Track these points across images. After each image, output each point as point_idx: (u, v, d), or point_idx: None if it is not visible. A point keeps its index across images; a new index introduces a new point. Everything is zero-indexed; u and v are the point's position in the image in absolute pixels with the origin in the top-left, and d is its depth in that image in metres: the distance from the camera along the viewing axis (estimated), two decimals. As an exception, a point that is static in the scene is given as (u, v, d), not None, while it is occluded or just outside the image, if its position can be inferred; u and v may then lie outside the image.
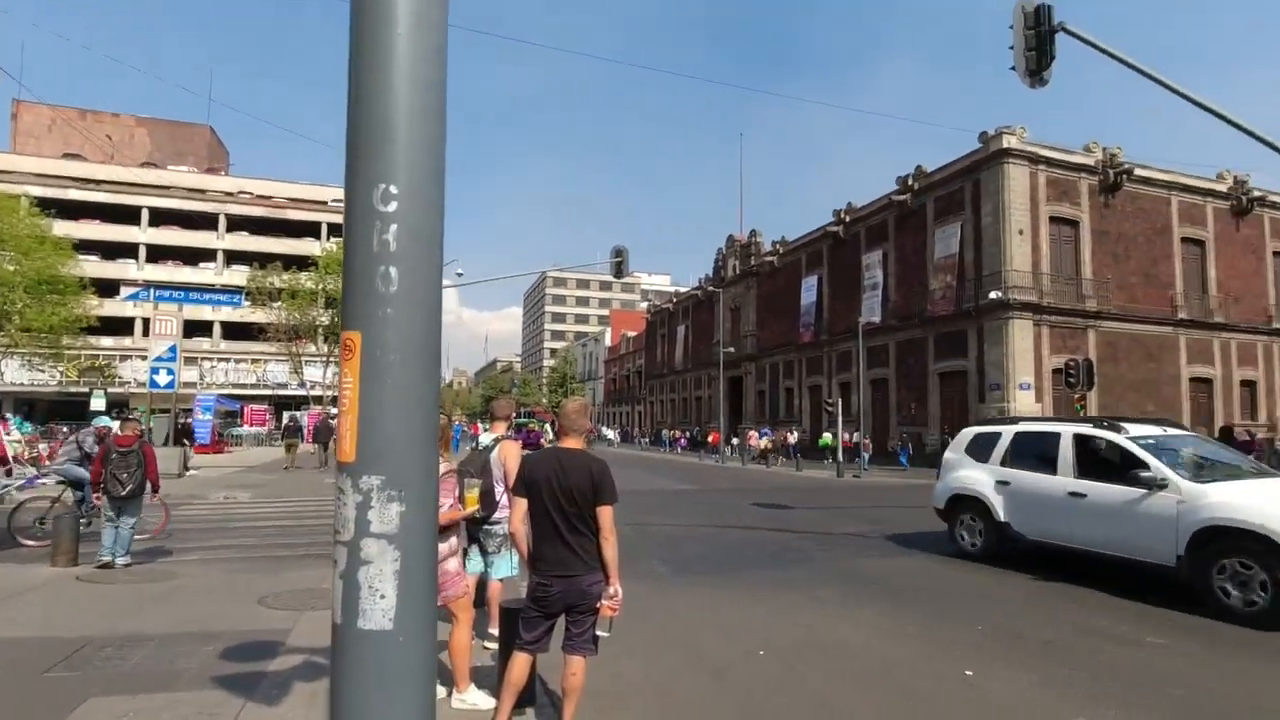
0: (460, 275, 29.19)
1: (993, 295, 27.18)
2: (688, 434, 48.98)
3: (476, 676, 4.43)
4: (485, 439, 5.69)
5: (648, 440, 55.90)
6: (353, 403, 1.58)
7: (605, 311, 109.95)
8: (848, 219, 37.72)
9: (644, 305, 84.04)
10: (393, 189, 1.51)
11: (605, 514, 3.58)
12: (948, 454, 10.46)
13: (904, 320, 32.88)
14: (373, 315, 1.54)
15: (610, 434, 58.61)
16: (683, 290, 66.03)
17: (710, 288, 50.45)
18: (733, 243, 51.16)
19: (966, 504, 9.51)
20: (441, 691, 4.34)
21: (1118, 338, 29.41)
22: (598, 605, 3.60)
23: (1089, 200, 29.74)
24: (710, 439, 37.64)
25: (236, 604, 6.39)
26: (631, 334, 77.50)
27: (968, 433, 10.38)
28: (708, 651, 5.56)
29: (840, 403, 27.13)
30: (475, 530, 5.45)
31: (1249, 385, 32.60)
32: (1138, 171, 30.22)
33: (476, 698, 4.20)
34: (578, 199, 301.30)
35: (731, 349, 44.54)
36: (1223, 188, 32.43)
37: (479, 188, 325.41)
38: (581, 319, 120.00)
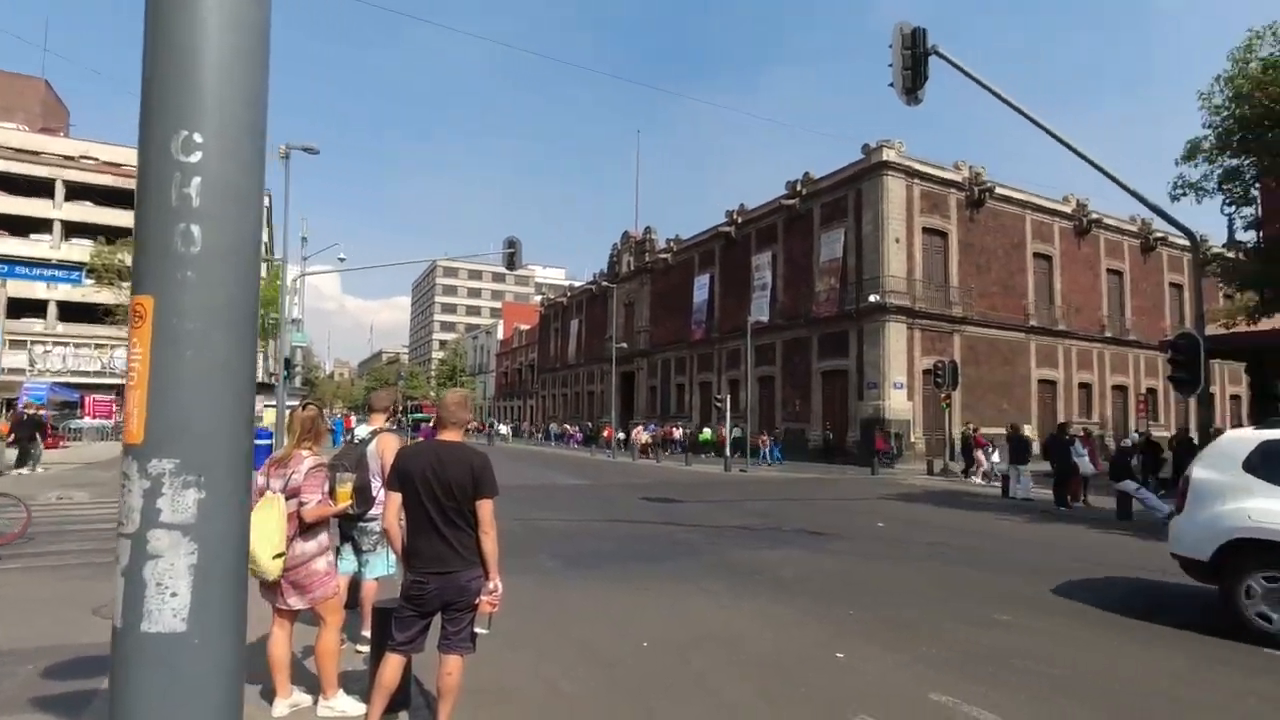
0: (342, 260, 27.65)
1: (872, 299, 28.78)
2: (580, 429, 48.88)
3: (347, 682, 4.15)
4: (362, 431, 5.35)
5: (541, 435, 55.10)
6: (141, 377, 1.36)
7: (498, 304, 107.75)
8: (739, 220, 38.82)
9: (538, 298, 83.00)
10: (196, 138, 1.31)
11: (485, 508, 3.43)
12: (1203, 472, 6.57)
13: (791, 320, 34.23)
14: (169, 278, 1.33)
15: (504, 429, 57.43)
16: (577, 284, 65.78)
17: (605, 283, 50.55)
18: (628, 239, 51.47)
19: (1266, 555, 5.89)
20: (308, 699, 4.05)
21: (979, 342, 31.93)
22: (476, 601, 3.45)
23: (957, 214, 32.09)
24: (605, 434, 37.68)
25: (67, 616, 5.71)
26: (524, 327, 76.40)
27: (1246, 439, 6.57)
28: (596, 645, 5.50)
29: (729, 399, 27.85)
30: (349, 528, 5.13)
31: (1085, 387, 36.30)
32: (999, 190, 32.95)
33: (345, 704, 3.93)
34: (472, 188, 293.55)
35: (624, 344, 44.87)
36: (1068, 209, 35.89)
37: (366, 170, 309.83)
38: (473, 310, 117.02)
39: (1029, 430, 31.74)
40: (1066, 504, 15.46)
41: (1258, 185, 12.52)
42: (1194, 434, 14.36)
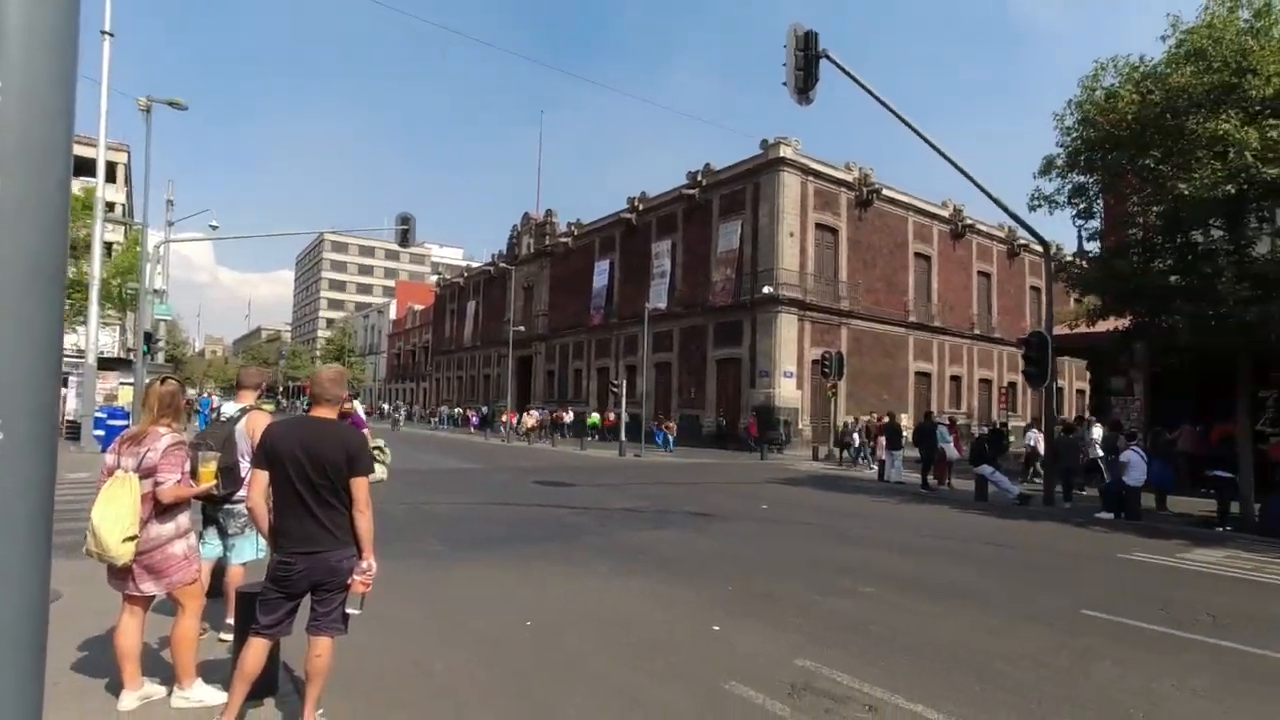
0: (214, 228, 25.57)
1: (765, 290, 29.80)
2: (477, 413, 47.88)
3: (208, 671, 3.96)
4: (229, 409, 5.06)
5: (437, 420, 53.38)
6: None
7: (391, 282, 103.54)
8: (641, 207, 39.09)
9: (434, 278, 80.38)
10: None
11: (360, 486, 3.36)
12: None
13: (688, 308, 34.91)
14: None
15: (399, 413, 55.25)
16: (475, 265, 64.23)
17: (503, 265, 49.62)
18: (528, 221, 50.73)
19: None
20: (161, 690, 3.83)
21: (864, 335, 33.76)
22: (349, 581, 3.38)
23: (847, 212, 33.69)
24: (505, 417, 37.14)
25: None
26: (419, 307, 73.88)
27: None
28: (476, 626, 5.49)
29: (625, 385, 28.13)
30: (214, 511, 4.85)
31: (956, 379, 39.19)
32: (885, 192, 34.83)
33: (203, 693, 3.75)
34: (365, 161, 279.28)
35: (522, 328, 44.31)
36: (946, 214, 38.44)
37: (247, 136, 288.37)
38: (364, 289, 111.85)
39: (905, 419, 34.06)
40: (930, 486, 16.74)
41: (1100, 201, 13.91)
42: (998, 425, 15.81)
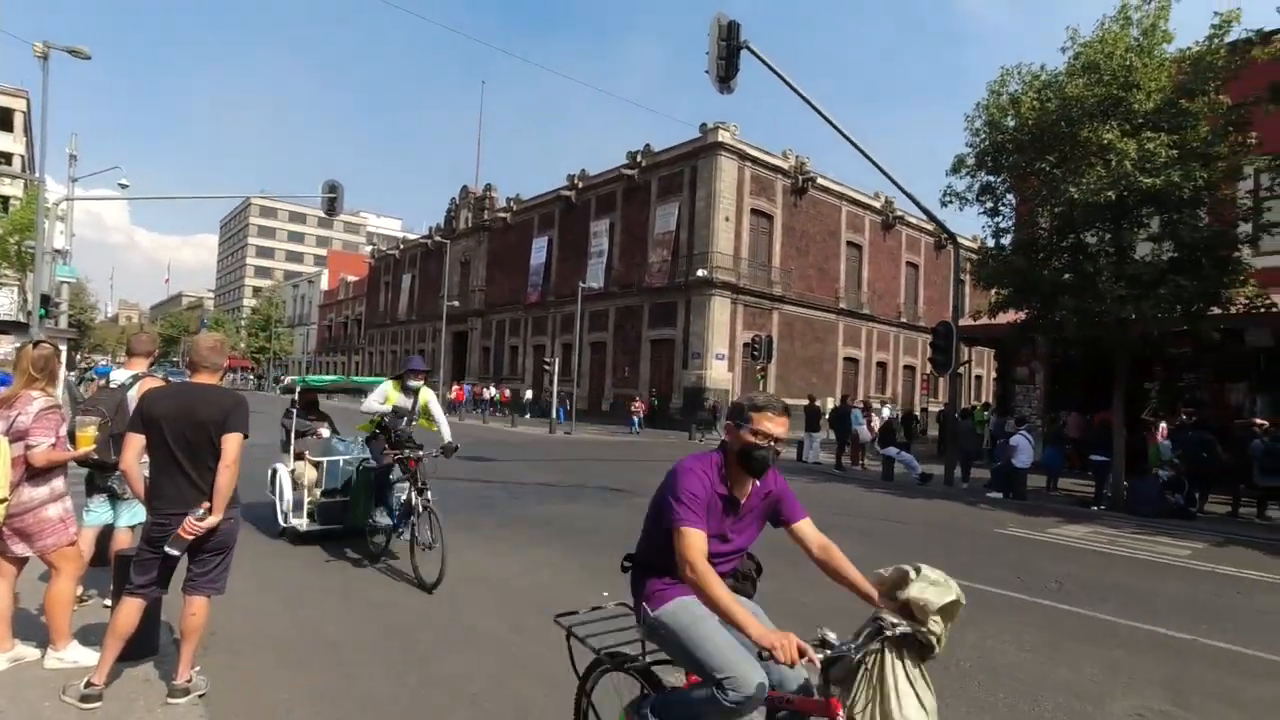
0: (125, 187, 24.18)
1: (700, 273, 30.26)
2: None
3: (86, 634, 4.02)
4: (120, 376, 5.03)
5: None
6: None
7: (323, 251, 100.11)
8: (580, 185, 38.95)
9: (369, 249, 78.16)
10: None
11: (232, 441, 3.41)
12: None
13: (624, 288, 35.13)
14: None
15: None
16: (413, 237, 62.78)
17: (440, 238, 48.75)
18: (467, 194, 49.86)
19: None
20: (35, 652, 3.87)
21: (795, 320, 34.68)
22: (229, 543, 3.50)
23: (782, 199, 34.38)
24: (454, 395, 36.63)
25: None
26: (352, 278, 71.85)
27: None
28: (367, 590, 5.65)
29: (558, 362, 28.21)
30: (104, 478, 4.83)
31: (882, 365, 40.72)
32: (820, 181, 35.66)
33: (77, 654, 3.81)
34: (301, 125, 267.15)
35: (457, 303, 43.73)
36: (877, 205, 39.63)
37: (175, 93, 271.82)
38: (294, 256, 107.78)
39: (831, 402, 35.30)
40: (844, 467, 17.55)
41: (1007, 199, 14.74)
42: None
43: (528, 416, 34.41)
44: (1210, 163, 11.37)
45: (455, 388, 36.33)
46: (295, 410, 7.64)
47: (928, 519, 10.99)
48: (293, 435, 7.40)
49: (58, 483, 3.86)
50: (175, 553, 3.39)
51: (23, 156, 42.03)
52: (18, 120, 42.10)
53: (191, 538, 3.36)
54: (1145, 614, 6.05)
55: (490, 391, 37.29)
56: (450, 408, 32.66)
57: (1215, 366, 16.75)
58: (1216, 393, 17.25)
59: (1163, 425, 14.82)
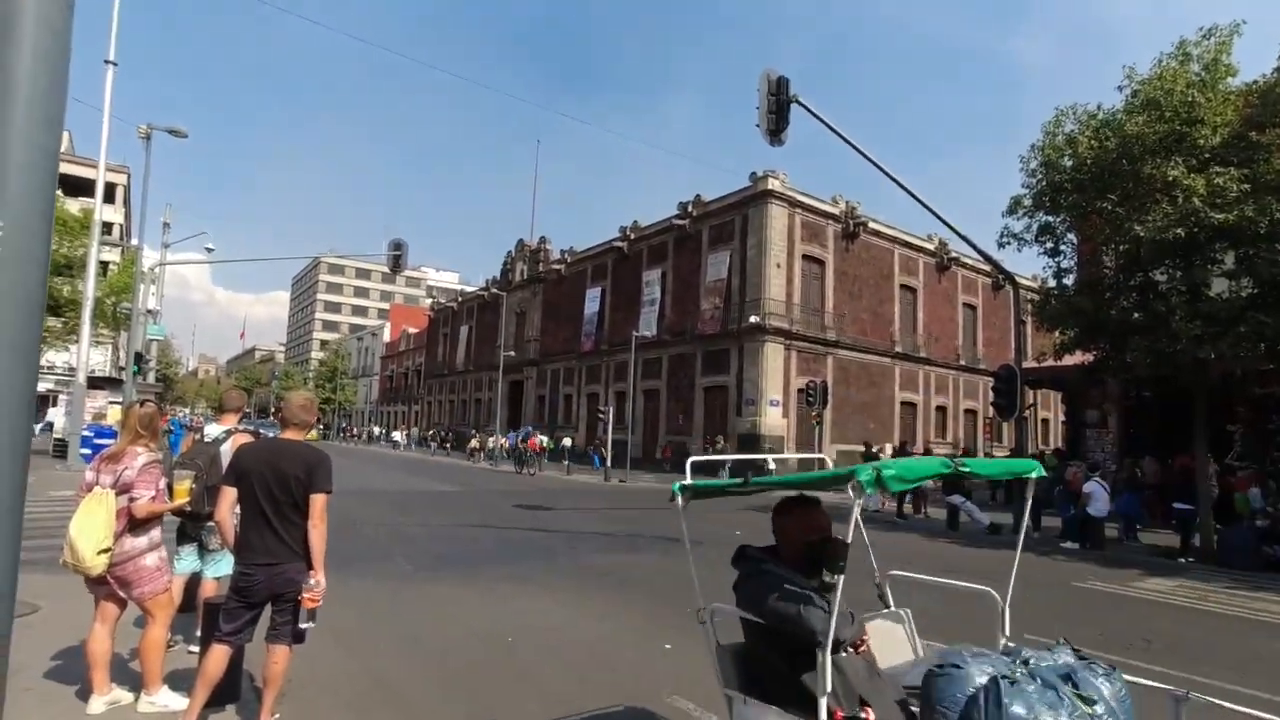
0: (210, 251, 25.97)
1: (752, 319, 30.27)
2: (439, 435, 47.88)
3: (175, 679, 4.22)
4: (213, 431, 5.35)
5: (436, 444, 48.56)
6: None
7: (386, 305, 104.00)
8: (632, 236, 39.70)
9: (428, 301, 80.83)
10: None
11: (318, 501, 3.64)
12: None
13: (677, 336, 35.32)
14: None
15: (398, 435, 53.65)
16: (470, 290, 64.74)
17: (496, 290, 50.12)
18: (522, 247, 51.33)
19: None
20: (129, 696, 4.08)
21: (849, 364, 34.18)
22: (300, 597, 3.65)
23: (834, 244, 34.31)
24: (529, 444, 35.19)
25: None
26: (413, 330, 74.22)
27: None
28: (431, 640, 5.75)
29: (612, 411, 28.41)
30: (195, 528, 5.11)
31: (941, 410, 39.58)
32: (871, 225, 35.52)
33: (168, 699, 4.00)
34: (365, 187, 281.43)
35: (513, 353, 44.64)
36: (931, 247, 39.14)
37: (248, 161, 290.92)
38: (359, 310, 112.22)
39: (889, 449, 34.37)
40: (905, 515, 16.98)
41: (1068, 239, 14.42)
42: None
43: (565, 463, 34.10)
44: (1286, 195, 10.93)
45: (531, 437, 35.43)
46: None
47: (997, 571, 10.51)
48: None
49: (155, 533, 4.12)
50: (309, 625, 3.63)
51: (121, 225, 45.48)
52: (119, 193, 45.75)
53: (317, 604, 3.60)
54: (1246, 677, 5.65)
55: (541, 440, 37.16)
56: (523, 458, 32.08)
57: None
58: (1311, 436, 16.19)
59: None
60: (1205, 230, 10.93)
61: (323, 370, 78.40)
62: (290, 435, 3.81)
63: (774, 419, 30.78)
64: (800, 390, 30.25)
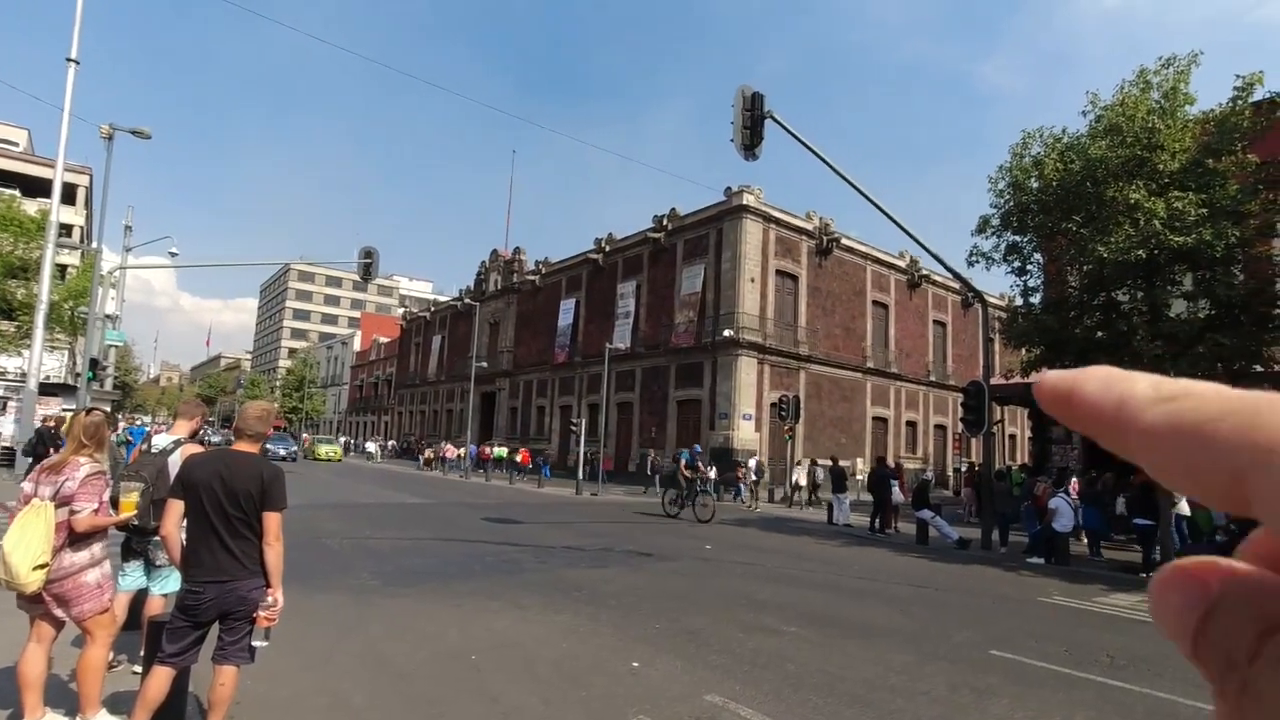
0: (175, 255, 25.28)
1: (726, 333, 30.36)
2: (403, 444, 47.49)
3: (119, 702, 4.02)
4: (162, 440, 5.15)
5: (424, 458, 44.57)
6: None
7: (356, 313, 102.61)
8: (607, 248, 39.69)
9: (401, 311, 79.91)
10: None
11: (273, 520, 3.52)
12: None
13: (651, 349, 35.30)
14: None
15: (371, 446, 52.55)
16: (443, 299, 64.14)
17: (470, 300, 49.71)
18: (496, 257, 51.04)
19: None
20: (66, 720, 3.87)
21: (822, 379, 34.42)
22: (255, 614, 3.50)
23: (807, 260, 34.63)
24: (520, 458, 34.58)
25: None
26: (384, 340, 73.24)
27: None
28: (395, 658, 5.57)
29: (585, 423, 28.23)
30: (141, 542, 4.90)
31: (912, 425, 40.01)
32: (844, 241, 35.93)
33: (106, 723, 3.80)
34: (339, 194, 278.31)
35: (486, 364, 44.25)
36: (902, 264, 39.71)
37: (217, 161, 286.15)
38: (329, 319, 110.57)
39: (861, 464, 34.63)
40: (881, 530, 17.05)
41: (1035, 258, 14.71)
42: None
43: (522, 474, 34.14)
44: (1242, 220, 11.29)
45: (522, 451, 35.09)
46: None
47: (966, 586, 10.60)
48: None
49: (97, 548, 3.92)
50: (263, 644, 3.56)
51: (82, 228, 44.25)
52: (80, 195, 44.54)
53: (273, 623, 3.50)
54: (1207, 693, 5.70)
55: (495, 450, 37.33)
56: (517, 470, 32.70)
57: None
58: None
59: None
60: (1165, 252, 11.22)
61: (290, 379, 76.90)
62: (243, 447, 3.67)
63: (747, 433, 30.84)
64: (773, 404, 30.34)
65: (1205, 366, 11.33)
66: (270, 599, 3.51)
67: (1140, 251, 11.02)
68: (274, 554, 3.53)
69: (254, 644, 3.56)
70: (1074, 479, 14.71)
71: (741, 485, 26.57)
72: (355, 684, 4.95)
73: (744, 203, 31.81)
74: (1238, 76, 11.80)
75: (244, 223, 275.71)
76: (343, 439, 60.19)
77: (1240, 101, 11.81)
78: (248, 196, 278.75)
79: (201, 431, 5.87)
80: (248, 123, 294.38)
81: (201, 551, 3.46)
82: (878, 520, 17.34)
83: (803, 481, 26.32)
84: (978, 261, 14.53)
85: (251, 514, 3.49)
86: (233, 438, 3.82)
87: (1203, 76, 12.66)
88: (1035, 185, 12.89)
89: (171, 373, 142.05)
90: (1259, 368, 11.72)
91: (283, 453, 35.91)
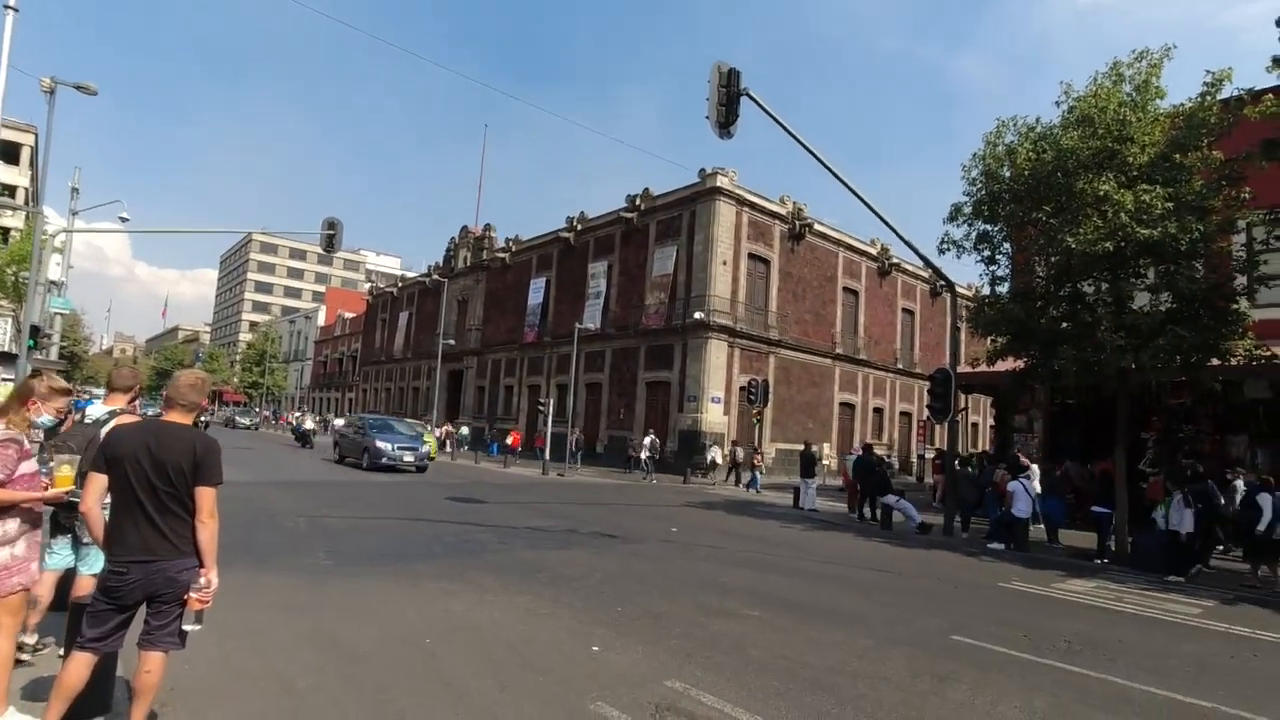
0: (125, 221, 24.19)
1: (697, 316, 30.27)
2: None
3: (41, 689, 3.75)
4: (96, 411, 4.83)
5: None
6: None
7: (321, 287, 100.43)
8: (579, 227, 39.25)
9: (367, 286, 78.39)
10: None
11: (206, 495, 3.27)
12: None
13: (621, 330, 35.09)
14: None
15: (339, 422, 49.71)
16: (411, 275, 63.01)
17: (439, 276, 48.92)
18: (466, 234, 50.20)
19: None
20: (-30, 715, 3.58)
21: (791, 364, 34.58)
22: (187, 595, 3.26)
23: (779, 244, 34.62)
24: (510, 440, 34.08)
25: None
26: (349, 315, 71.90)
27: None
28: (347, 641, 5.36)
29: (553, 403, 28.00)
30: (68, 518, 4.60)
31: (879, 411, 40.52)
32: (817, 227, 36.00)
33: (16, 719, 3.52)
34: (305, 164, 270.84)
35: (454, 341, 43.65)
36: (874, 251, 39.97)
37: (180, 128, 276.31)
38: (292, 292, 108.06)
39: (828, 448, 34.98)
40: (864, 516, 16.67)
41: (1005, 247, 14.79)
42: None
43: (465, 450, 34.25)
44: (1205, 216, 11.44)
45: (512, 434, 34.88)
46: None
47: (928, 571, 10.69)
48: None
49: (10, 525, 3.61)
50: (194, 627, 3.31)
51: (27, 189, 42.32)
52: (24, 154, 42.53)
53: (206, 605, 3.27)
54: (1160, 678, 5.78)
55: (463, 429, 37.21)
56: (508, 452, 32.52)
57: (1214, 418, 16.63)
58: (1216, 445, 17.09)
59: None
60: (1131, 245, 11.33)
61: (251, 353, 75.13)
62: (174, 418, 3.41)
63: (715, 416, 30.89)
64: (742, 388, 30.44)
65: (1165, 358, 11.51)
66: (203, 580, 3.27)
67: (1108, 243, 11.11)
68: (207, 532, 3.28)
69: (185, 628, 3.32)
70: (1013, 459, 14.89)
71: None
72: (301, 668, 4.74)
73: (718, 184, 31.61)
74: (1208, 72, 11.89)
75: (203, 191, 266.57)
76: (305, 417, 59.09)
77: (1209, 97, 11.91)
78: (208, 164, 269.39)
79: (140, 403, 5.55)
80: (209, 85, 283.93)
81: (126, 529, 3.21)
82: (866, 508, 17.01)
83: (719, 460, 27.09)
84: (949, 249, 14.56)
85: (182, 489, 3.24)
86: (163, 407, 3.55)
87: (1177, 70, 12.83)
88: (1007, 174, 12.91)
89: (125, 344, 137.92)
90: (1216, 360, 11.95)
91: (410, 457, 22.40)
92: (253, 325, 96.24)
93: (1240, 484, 13.05)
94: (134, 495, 3.20)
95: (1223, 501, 12.54)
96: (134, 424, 3.48)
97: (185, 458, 3.24)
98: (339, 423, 34.74)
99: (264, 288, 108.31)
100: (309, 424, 36.17)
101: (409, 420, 32.81)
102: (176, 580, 3.24)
